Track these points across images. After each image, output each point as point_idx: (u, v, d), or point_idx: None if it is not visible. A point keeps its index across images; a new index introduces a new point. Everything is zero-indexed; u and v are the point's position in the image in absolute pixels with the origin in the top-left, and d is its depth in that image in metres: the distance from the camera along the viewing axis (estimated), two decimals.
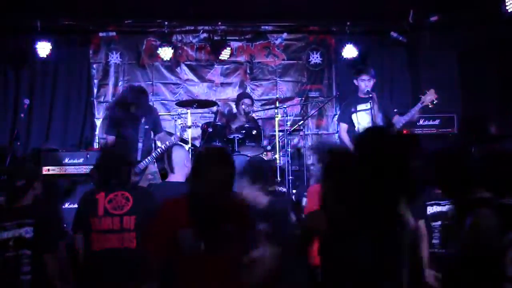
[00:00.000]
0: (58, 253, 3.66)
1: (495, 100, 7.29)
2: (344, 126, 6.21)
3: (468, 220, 2.78)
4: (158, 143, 6.18)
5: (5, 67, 7.43)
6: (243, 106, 6.83)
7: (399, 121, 5.82)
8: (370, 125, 5.67)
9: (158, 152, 5.73)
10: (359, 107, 6.03)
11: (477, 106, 7.30)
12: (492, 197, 2.83)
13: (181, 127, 6.50)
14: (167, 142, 5.67)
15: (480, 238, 2.75)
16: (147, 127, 5.84)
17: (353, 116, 6.08)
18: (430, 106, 5.73)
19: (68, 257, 3.75)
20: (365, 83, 6.00)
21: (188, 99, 7.59)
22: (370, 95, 5.79)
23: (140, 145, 5.74)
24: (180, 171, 4.36)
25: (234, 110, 7.31)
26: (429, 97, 5.69)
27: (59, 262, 3.59)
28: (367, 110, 5.80)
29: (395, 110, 6.02)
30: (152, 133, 6.06)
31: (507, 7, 5.89)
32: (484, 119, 7.27)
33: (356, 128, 6.05)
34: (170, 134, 6.19)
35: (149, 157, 5.69)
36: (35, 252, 3.43)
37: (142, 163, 5.64)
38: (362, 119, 5.97)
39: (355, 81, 6.15)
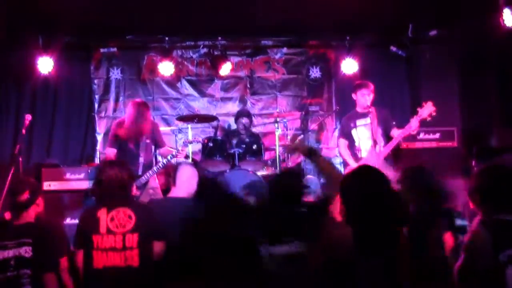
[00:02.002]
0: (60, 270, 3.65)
1: (496, 113, 7.29)
2: (344, 142, 6.18)
3: (466, 238, 2.80)
4: (159, 158, 6.17)
5: (6, 83, 7.46)
6: (242, 122, 6.87)
7: (397, 134, 5.78)
8: (370, 140, 5.66)
9: (159, 166, 5.74)
10: (359, 122, 5.99)
11: (478, 119, 7.31)
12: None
13: (182, 142, 6.52)
14: (168, 157, 5.68)
15: (472, 255, 2.76)
16: (148, 141, 5.85)
17: (353, 132, 6.04)
18: (428, 119, 5.67)
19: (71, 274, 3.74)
20: (364, 98, 5.98)
21: (188, 114, 7.61)
22: (369, 110, 5.77)
23: (141, 159, 5.75)
24: (183, 187, 4.35)
25: (234, 125, 7.32)
26: (427, 110, 5.61)
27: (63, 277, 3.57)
28: (367, 125, 5.78)
29: (393, 123, 5.99)
30: (153, 147, 6.07)
31: (504, 21, 5.92)
32: (484, 133, 7.31)
33: (356, 144, 6.02)
34: (172, 149, 6.20)
35: (150, 172, 5.69)
36: (34, 271, 3.42)
37: (143, 177, 5.64)
38: (362, 134, 5.94)
39: (354, 95, 6.13)
